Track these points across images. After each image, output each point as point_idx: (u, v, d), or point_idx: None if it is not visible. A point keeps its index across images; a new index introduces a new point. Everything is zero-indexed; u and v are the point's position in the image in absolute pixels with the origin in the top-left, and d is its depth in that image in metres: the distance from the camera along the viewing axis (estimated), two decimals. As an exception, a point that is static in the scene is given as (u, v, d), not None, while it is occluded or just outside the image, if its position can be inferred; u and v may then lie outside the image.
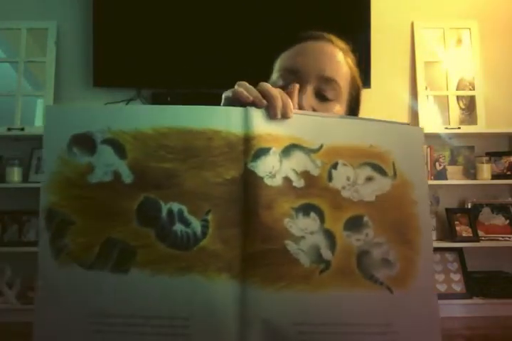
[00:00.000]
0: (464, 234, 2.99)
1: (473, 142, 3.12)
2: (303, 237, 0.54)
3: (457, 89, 3.17)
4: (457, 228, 3.00)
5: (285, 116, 0.57)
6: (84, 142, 0.54)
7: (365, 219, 0.56)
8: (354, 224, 0.55)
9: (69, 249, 0.53)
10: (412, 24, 3.18)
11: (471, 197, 3.12)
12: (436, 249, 2.95)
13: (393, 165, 0.58)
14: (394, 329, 0.54)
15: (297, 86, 0.64)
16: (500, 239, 3.00)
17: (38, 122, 3.07)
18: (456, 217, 3.03)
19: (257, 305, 0.52)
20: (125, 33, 2.99)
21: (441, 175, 3.03)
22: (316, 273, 0.53)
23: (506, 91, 3.16)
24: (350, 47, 0.86)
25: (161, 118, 0.55)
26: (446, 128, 3.06)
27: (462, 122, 3.13)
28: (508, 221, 3.06)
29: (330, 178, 0.56)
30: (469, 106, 3.15)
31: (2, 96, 3.11)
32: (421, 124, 2.98)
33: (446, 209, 3.06)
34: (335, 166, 0.56)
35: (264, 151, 0.54)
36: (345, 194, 0.56)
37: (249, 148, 0.54)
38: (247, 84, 0.60)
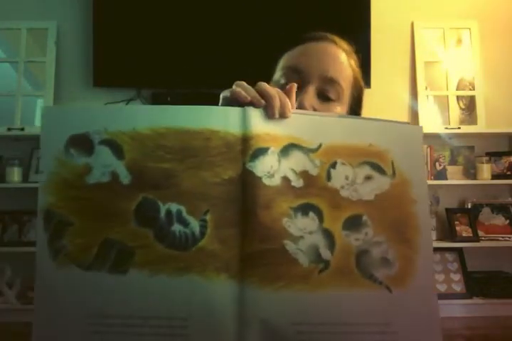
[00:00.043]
0: (464, 234, 2.99)
1: (473, 142, 3.12)
2: (302, 237, 0.54)
3: (457, 89, 3.17)
4: (457, 228, 3.00)
5: (283, 115, 0.57)
6: (82, 143, 0.54)
7: (364, 218, 0.56)
8: (353, 223, 0.55)
9: (67, 250, 0.53)
10: (412, 24, 3.18)
11: (471, 197, 3.12)
12: (436, 249, 2.95)
13: (392, 164, 0.58)
14: (393, 329, 0.54)
15: (295, 85, 0.64)
16: (500, 239, 3.00)
17: (38, 122, 3.07)
18: (456, 217, 3.03)
19: (256, 305, 0.52)
20: (125, 33, 2.99)
21: (441, 175, 3.03)
22: (314, 272, 0.53)
23: (506, 91, 3.15)
24: (354, 49, 0.86)
25: (158, 118, 0.55)
26: (446, 128, 3.06)
27: (462, 122, 3.13)
28: (508, 221, 3.06)
29: (329, 178, 0.56)
30: (469, 106, 3.15)
31: (2, 96, 3.11)
32: (421, 124, 2.98)
33: (446, 209, 3.06)
34: (334, 165, 0.56)
35: (262, 151, 0.54)
36: (344, 193, 0.56)
37: (247, 148, 0.54)
38: (245, 83, 0.60)
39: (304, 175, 0.55)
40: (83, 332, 0.52)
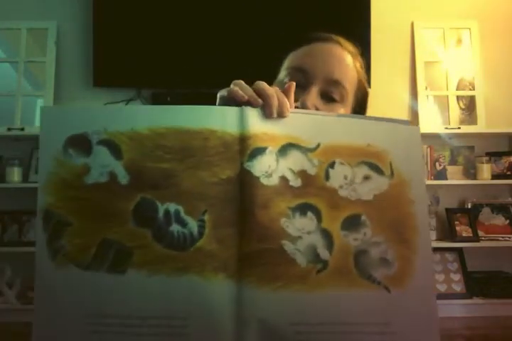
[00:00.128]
0: (464, 234, 2.99)
1: (473, 142, 3.12)
2: (300, 237, 0.54)
3: (457, 89, 3.17)
4: (457, 228, 3.00)
5: (281, 115, 0.56)
6: (80, 143, 0.54)
7: (363, 218, 0.56)
8: (351, 223, 0.55)
9: (65, 250, 0.53)
10: (412, 24, 3.18)
11: (471, 197, 3.12)
12: (436, 249, 2.95)
13: (390, 164, 0.58)
14: (392, 329, 0.54)
15: (294, 84, 0.63)
16: (500, 239, 3.00)
17: (38, 122, 3.03)
18: (456, 217, 3.03)
19: (254, 304, 0.52)
20: (125, 33, 2.99)
21: (441, 175, 3.03)
22: (313, 273, 0.53)
23: (506, 91, 3.15)
24: (359, 51, 0.86)
25: (157, 118, 0.55)
26: (446, 128, 3.06)
27: (462, 122, 3.13)
28: (508, 221, 3.06)
29: (327, 177, 0.56)
30: (469, 106, 3.15)
31: (2, 96, 3.11)
32: (421, 124, 2.98)
33: (446, 209, 3.06)
34: (332, 165, 0.56)
35: (260, 151, 0.54)
36: (342, 193, 0.56)
37: (245, 148, 0.54)
38: (242, 83, 0.60)
39: (302, 174, 0.55)
40: (82, 332, 0.52)
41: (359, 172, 0.57)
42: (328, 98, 0.79)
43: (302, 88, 0.77)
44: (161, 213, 0.53)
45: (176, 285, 0.52)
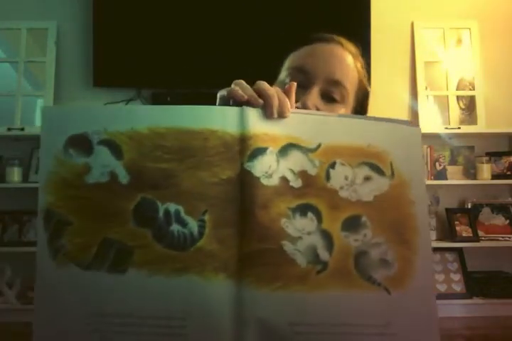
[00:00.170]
0: (464, 234, 2.99)
1: (473, 142, 3.12)
2: (300, 237, 0.53)
3: (457, 89, 3.17)
4: (457, 228, 3.00)
5: (282, 115, 0.56)
6: (81, 143, 0.55)
7: (363, 219, 0.55)
8: (352, 224, 0.55)
9: (66, 249, 0.53)
10: (412, 24, 3.18)
11: (471, 197, 3.12)
12: (436, 249, 2.95)
13: (391, 165, 0.57)
14: (392, 330, 0.54)
15: (295, 84, 0.63)
16: (500, 239, 3.00)
17: (38, 122, 3.07)
18: (456, 217, 3.03)
19: (253, 304, 0.52)
20: (125, 33, 2.99)
21: (441, 175, 3.03)
22: (312, 273, 0.53)
23: (506, 91, 3.15)
24: (360, 51, 0.86)
25: (157, 118, 0.55)
26: (446, 128, 3.06)
27: (462, 122, 3.13)
28: (508, 221, 3.06)
29: (328, 178, 0.56)
30: (469, 106, 3.15)
31: (2, 96, 3.11)
32: (421, 124, 2.98)
33: (446, 209, 3.06)
34: (333, 166, 0.56)
35: (260, 151, 0.54)
36: (343, 194, 0.56)
37: (245, 148, 0.54)
38: (243, 82, 0.60)
39: (303, 175, 0.55)
40: (82, 331, 0.52)
41: (360, 173, 0.57)
42: (328, 98, 0.79)
43: (303, 88, 0.77)
44: (161, 213, 0.53)
45: (175, 285, 0.52)
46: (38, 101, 3.15)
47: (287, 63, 0.84)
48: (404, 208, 0.57)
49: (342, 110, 0.80)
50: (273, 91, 0.57)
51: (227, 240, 0.52)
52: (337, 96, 0.79)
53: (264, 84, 0.59)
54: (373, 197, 0.56)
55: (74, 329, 0.52)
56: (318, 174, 0.55)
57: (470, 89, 3.15)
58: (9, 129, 2.93)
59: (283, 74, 0.83)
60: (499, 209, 3.09)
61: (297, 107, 0.71)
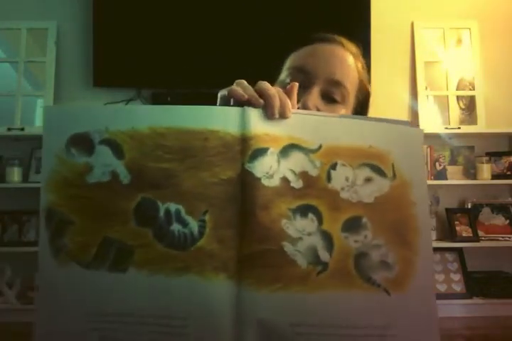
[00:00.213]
0: (464, 234, 2.99)
1: (473, 142, 3.12)
2: (300, 238, 0.53)
3: (457, 89, 3.17)
4: (457, 228, 3.00)
5: (283, 115, 0.56)
6: (82, 142, 0.55)
7: (364, 220, 0.55)
8: (352, 225, 0.55)
9: (67, 248, 0.53)
10: (412, 24, 3.18)
11: (471, 197, 3.12)
12: (436, 249, 2.95)
13: (392, 166, 0.57)
14: (392, 331, 0.54)
15: (296, 84, 0.63)
16: (500, 239, 3.00)
17: (38, 122, 3.07)
18: (456, 217, 3.03)
19: (254, 305, 0.52)
20: (125, 33, 2.99)
21: (441, 175, 3.03)
22: (313, 274, 0.53)
23: (506, 92, 3.16)
24: (361, 52, 0.86)
25: (157, 118, 0.55)
26: (446, 128, 3.07)
27: (462, 122, 3.13)
28: (508, 221, 3.06)
29: (329, 179, 0.55)
30: (469, 106, 3.15)
31: (2, 96, 3.11)
32: (421, 124, 2.98)
33: (446, 209, 3.06)
34: (334, 167, 0.56)
35: (261, 151, 0.54)
36: (344, 195, 0.55)
37: (246, 148, 0.54)
38: (244, 82, 0.59)
39: (304, 175, 0.55)
40: (83, 329, 0.52)
41: (360, 174, 0.56)
42: (329, 99, 0.79)
43: (303, 88, 0.77)
44: (161, 213, 0.53)
45: (176, 284, 0.52)
46: (38, 101, 3.15)
47: (288, 63, 0.84)
48: (405, 209, 0.57)
49: (342, 111, 0.80)
50: (274, 91, 0.57)
51: (228, 240, 0.52)
52: (337, 97, 0.79)
53: (265, 84, 0.58)
54: (374, 198, 0.56)
55: (75, 327, 0.52)
56: (319, 175, 0.55)
57: (470, 89, 3.15)
58: (9, 129, 2.93)
59: (283, 75, 0.83)
60: (499, 209, 3.09)
61: (298, 108, 0.71)
